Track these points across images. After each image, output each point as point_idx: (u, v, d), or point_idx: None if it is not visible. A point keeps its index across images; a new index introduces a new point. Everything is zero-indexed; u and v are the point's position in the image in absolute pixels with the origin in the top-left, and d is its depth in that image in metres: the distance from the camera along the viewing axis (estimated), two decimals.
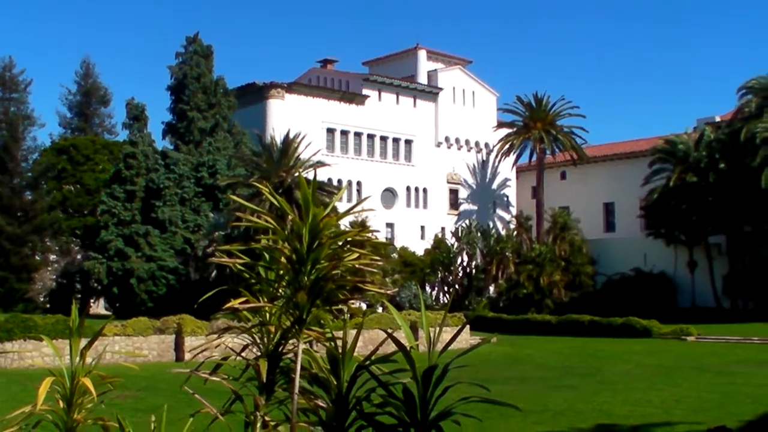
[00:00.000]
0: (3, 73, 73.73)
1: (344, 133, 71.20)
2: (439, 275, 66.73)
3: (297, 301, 5.49)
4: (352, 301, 6.09)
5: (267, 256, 5.80)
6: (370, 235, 6.30)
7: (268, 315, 5.74)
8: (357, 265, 5.76)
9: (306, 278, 5.51)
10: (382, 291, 6.44)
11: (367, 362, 5.60)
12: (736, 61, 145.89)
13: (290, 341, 5.66)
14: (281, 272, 5.71)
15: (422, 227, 74.99)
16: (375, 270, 5.97)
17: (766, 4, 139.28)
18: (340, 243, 5.79)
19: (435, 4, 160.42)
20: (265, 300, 5.73)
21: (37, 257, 63.86)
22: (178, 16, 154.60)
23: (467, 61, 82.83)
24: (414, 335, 5.75)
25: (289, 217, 5.66)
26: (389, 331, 5.60)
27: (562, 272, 64.02)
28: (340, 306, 5.84)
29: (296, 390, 5.40)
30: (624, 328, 46.60)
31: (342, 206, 50.11)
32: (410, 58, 78.59)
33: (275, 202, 5.75)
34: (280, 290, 5.76)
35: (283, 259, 5.60)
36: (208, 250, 50.16)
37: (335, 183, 62.56)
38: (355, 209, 6.29)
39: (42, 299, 62.74)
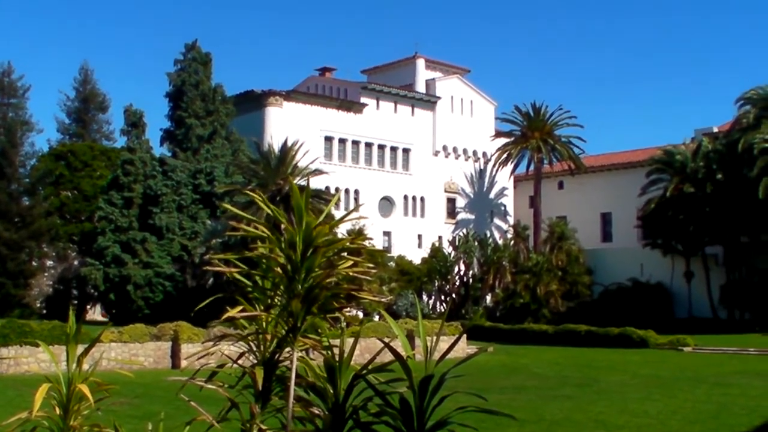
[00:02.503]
0: (1, 79, 73.73)
1: (342, 141, 71.24)
2: (436, 284, 66.73)
3: (291, 309, 5.49)
4: (348, 310, 6.09)
5: (263, 264, 5.81)
6: (365, 242, 6.30)
7: (264, 323, 5.74)
8: (352, 273, 5.76)
9: (300, 286, 5.51)
10: (377, 299, 6.44)
11: (364, 371, 5.60)
12: (735, 72, 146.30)
13: (286, 349, 5.66)
14: (276, 280, 5.71)
15: (419, 236, 74.96)
16: (370, 278, 5.96)
17: (764, 15, 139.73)
18: (335, 251, 5.79)
19: (434, 13, 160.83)
20: (261, 308, 5.73)
21: (34, 263, 63.69)
22: (176, 23, 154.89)
23: (465, 70, 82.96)
24: (411, 344, 5.75)
25: (282, 226, 5.66)
26: (386, 340, 5.61)
27: (559, 282, 64.02)
28: (335, 314, 5.84)
29: (291, 398, 5.40)
30: (621, 338, 46.57)
31: (339, 215, 50.06)
32: (409, 66, 78.67)
33: (268, 211, 5.75)
34: (276, 298, 5.77)
35: (277, 268, 5.60)
36: (205, 257, 50.09)
37: (332, 191, 62.49)
38: (349, 217, 6.29)
39: (38, 305, 62.60)
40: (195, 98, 60.26)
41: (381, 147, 73.72)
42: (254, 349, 5.79)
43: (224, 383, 5.81)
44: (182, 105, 60.32)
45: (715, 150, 60.71)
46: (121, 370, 24.43)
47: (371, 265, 6.19)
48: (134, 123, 60.60)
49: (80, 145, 74.27)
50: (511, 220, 79.85)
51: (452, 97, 77.99)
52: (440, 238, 74.48)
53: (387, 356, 5.54)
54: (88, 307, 64.76)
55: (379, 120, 73.04)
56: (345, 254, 5.87)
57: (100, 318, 62.82)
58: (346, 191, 69.77)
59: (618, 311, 59.70)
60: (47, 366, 24.99)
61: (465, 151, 78.87)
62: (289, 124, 65.73)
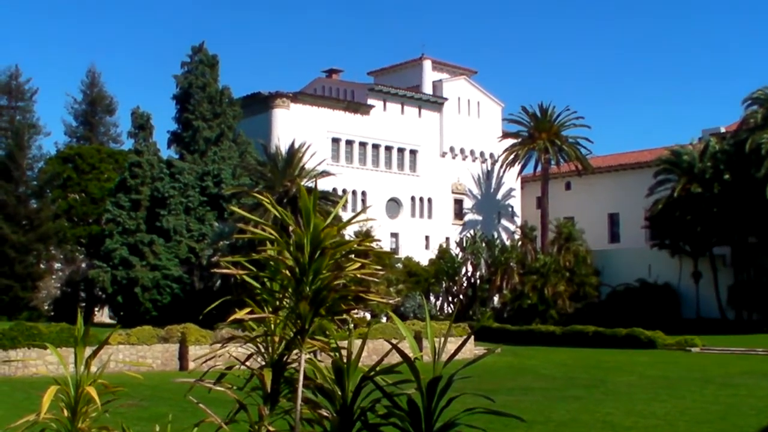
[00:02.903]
0: (9, 82, 73.95)
1: (349, 142, 71.27)
2: (444, 285, 66.64)
3: (299, 311, 5.49)
4: (356, 311, 6.08)
5: (271, 266, 5.81)
6: (372, 244, 6.29)
7: (272, 325, 5.74)
8: (359, 275, 5.76)
9: (308, 288, 5.51)
10: (385, 300, 6.45)
11: (372, 373, 5.60)
12: (742, 72, 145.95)
13: (294, 351, 5.66)
14: (284, 282, 5.71)
15: (427, 237, 74.94)
16: (378, 280, 5.96)
17: None
18: (343, 253, 5.79)
19: (440, 15, 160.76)
20: (269, 310, 5.74)
21: (42, 266, 63.91)
22: (183, 26, 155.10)
23: (472, 72, 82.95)
24: (419, 346, 5.74)
25: (291, 228, 5.67)
26: (393, 341, 5.60)
27: (566, 283, 63.91)
28: (343, 316, 5.84)
29: (299, 400, 5.41)
30: (628, 339, 46.49)
31: (347, 216, 50.15)
32: (415, 68, 78.68)
33: (276, 213, 5.76)
34: (284, 300, 5.77)
35: (285, 270, 5.60)
36: (213, 259, 50.16)
37: (340, 193, 62.49)
38: (357, 219, 6.28)
39: (46, 307, 62.78)
40: (202, 100, 60.35)
41: (388, 148, 73.73)
42: (262, 351, 5.79)
43: (232, 385, 5.82)
44: (189, 107, 60.41)
45: (722, 150, 60.59)
46: (129, 372, 24.50)
47: (379, 266, 6.20)
48: (141, 125, 60.72)
49: (88, 147, 74.44)
50: (518, 221, 79.74)
51: (459, 98, 77.96)
52: (447, 239, 74.41)
53: (395, 358, 5.54)
54: (96, 309, 64.92)
55: (386, 121, 73.05)
56: (353, 256, 5.87)
57: (107, 320, 62.93)
58: (354, 193, 69.73)
59: (626, 312, 59.55)
60: (55, 368, 25.05)
61: (472, 152, 78.83)
62: (296, 126, 65.79)
